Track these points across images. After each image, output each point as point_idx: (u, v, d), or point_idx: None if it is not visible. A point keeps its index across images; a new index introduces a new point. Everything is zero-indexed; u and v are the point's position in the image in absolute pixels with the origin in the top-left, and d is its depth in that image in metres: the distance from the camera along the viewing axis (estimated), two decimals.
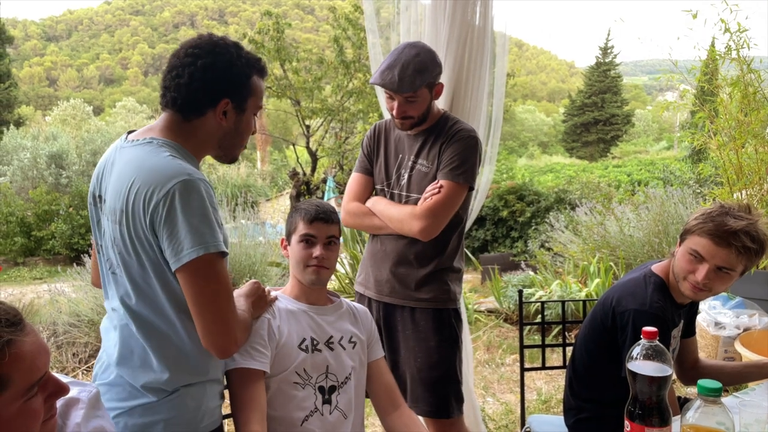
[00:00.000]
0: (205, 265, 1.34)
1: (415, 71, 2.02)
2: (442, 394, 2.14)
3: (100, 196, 1.49)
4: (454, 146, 2.09)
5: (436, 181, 2.08)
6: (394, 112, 2.11)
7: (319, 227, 1.77)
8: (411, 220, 2.06)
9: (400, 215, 2.11)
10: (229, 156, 1.57)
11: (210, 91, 1.45)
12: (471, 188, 2.12)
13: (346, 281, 5.50)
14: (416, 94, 2.05)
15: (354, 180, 2.31)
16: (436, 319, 2.15)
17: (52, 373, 0.93)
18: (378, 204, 2.21)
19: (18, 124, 25.40)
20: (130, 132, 1.54)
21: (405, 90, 2.03)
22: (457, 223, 2.16)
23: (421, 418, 2.22)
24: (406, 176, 2.18)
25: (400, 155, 2.21)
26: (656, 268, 1.89)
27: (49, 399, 0.91)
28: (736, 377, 2.06)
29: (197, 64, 1.43)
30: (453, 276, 2.20)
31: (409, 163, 2.18)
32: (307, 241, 1.77)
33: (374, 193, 2.30)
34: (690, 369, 2.09)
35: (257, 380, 1.61)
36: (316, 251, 1.76)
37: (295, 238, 1.79)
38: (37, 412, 0.89)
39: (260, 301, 1.69)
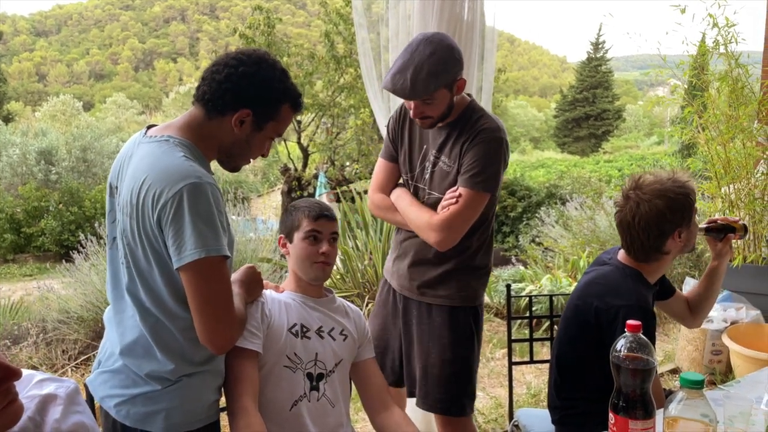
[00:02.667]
0: (206, 267, 1.38)
1: (430, 74, 1.85)
2: (452, 391, 2.11)
3: (117, 188, 1.53)
4: (477, 149, 1.95)
5: (455, 188, 1.98)
6: (411, 113, 1.98)
7: (324, 224, 1.80)
8: (428, 230, 2.00)
9: (418, 222, 2.04)
10: (230, 164, 1.61)
11: (237, 96, 1.49)
12: (492, 195, 2.02)
13: (338, 277, 5.50)
14: (432, 96, 1.90)
15: (379, 167, 2.22)
16: (452, 316, 2.10)
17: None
18: (400, 201, 2.14)
19: (7, 119, 25.25)
20: (150, 126, 1.57)
21: (418, 96, 1.89)
22: (480, 222, 2.06)
23: (410, 413, 2.23)
24: (429, 171, 2.09)
25: (425, 146, 2.11)
26: (625, 259, 1.90)
27: None
28: (707, 286, 2.11)
29: (238, 68, 1.48)
30: (475, 274, 2.13)
31: (432, 158, 2.08)
32: (314, 237, 1.79)
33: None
34: (690, 314, 2.17)
35: (251, 359, 1.65)
36: (323, 248, 1.79)
37: (299, 235, 1.80)
38: None
39: (255, 285, 1.73)
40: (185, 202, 1.36)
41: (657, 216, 1.77)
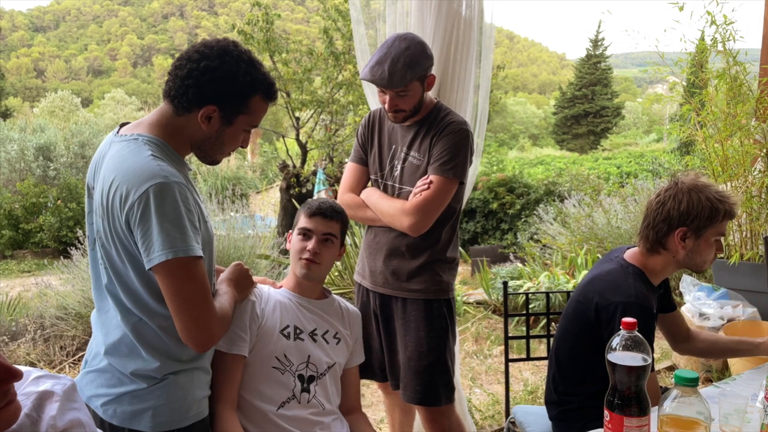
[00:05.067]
0: (177, 268, 1.36)
1: (405, 66, 2.00)
2: (430, 382, 2.17)
3: (93, 188, 1.52)
4: (445, 140, 2.08)
5: (426, 176, 2.08)
6: (386, 106, 2.10)
7: (317, 222, 1.82)
8: (401, 215, 2.08)
9: (391, 210, 2.13)
10: (207, 158, 1.57)
11: (200, 93, 1.45)
12: (461, 183, 2.14)
13: (335, 274, 5.50)
14: (407, 88, 2.04)
15: (349, 170, 2.32)
16: (427, 309, 2.17)
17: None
18: (371, 196, 2.22)
19: (5, 115, 25.19)
20: (123, 124, 1.55)
21: (395, 86, 2.02)
22: (449, 215, 2.17)
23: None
24: (399, 168, 2.19)
25: (394, 146, 2.22)
26: (630, 258, 1.91)
27: None
28: (728, 352, 2.12)
29: (200, 63, 1.44)
30: (446, 266, 2.21)
31: (402, 155, 2.18)
32: (305, 234, 1.82)
33: (369, 183, 2.32)
34: (683, 341, 2.15)
35: (235, 361, 1.66)
36: (310, 245, 1.80)
37: (295, 231, 1.86)
38: None
39: (245, 282, 1.72)
40: (152, 203, 1.35)
41: (673, 203, 1.80)
